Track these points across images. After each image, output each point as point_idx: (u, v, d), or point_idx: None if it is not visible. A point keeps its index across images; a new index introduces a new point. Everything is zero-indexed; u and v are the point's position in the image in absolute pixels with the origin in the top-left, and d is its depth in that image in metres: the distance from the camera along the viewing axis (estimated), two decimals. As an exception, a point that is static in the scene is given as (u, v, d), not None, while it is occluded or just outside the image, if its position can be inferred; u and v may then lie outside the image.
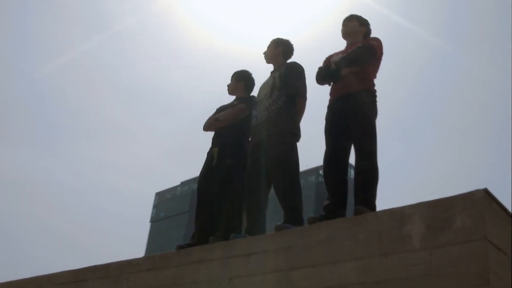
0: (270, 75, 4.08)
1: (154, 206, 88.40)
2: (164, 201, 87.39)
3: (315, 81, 3.76)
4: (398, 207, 2.82)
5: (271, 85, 3.94)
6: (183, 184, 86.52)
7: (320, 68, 3.73)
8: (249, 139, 4.12)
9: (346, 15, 3.84)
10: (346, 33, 3.80)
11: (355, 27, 3.79)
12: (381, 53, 3.57)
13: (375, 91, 3.53)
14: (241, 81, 4.50)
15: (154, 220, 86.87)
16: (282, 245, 3.24)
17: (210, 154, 4.30)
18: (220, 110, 4.46)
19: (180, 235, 78.65)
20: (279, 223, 3.42)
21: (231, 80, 4.56)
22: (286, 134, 3.75)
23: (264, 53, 4.20)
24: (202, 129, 4.52)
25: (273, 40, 4.20)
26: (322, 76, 3.68)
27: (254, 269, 3.32)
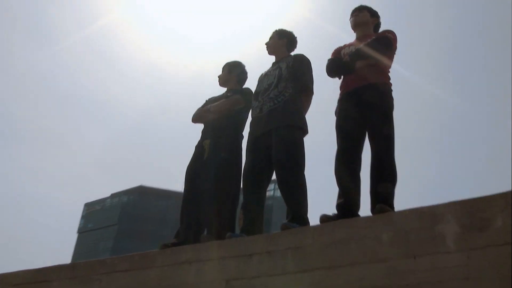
0: (274, 66, 3.86)
1: (82, 217, 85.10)
2: (93, 212, 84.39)
3: (325, 73, 3.58)
4: (427, 206, 2.64)
5: (276, 75, 3.72)
6: (113, 196, 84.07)
7: (331, 60, 3.55)
8: (244, 133, 3.86)
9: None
10: (356, 24, 3.63)
11: (366, 17, 3.64)
12: (396, 46, 3.44)
13: (391, 84, 3.38)
14: (234, 72, 4.25)
15: (81, 231, 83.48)
16: (290, 245, 2.97)
17: (200, 146, 3.98)
18: (210, 102, 4.17)
19: (107, 248, 75.98)
20: (285, 222, 3.16)
21: (223, 71, 4.29)
22: (295, 127, 3.52)
23: (266, 44, 3.98)
24: (191, 120, 4.20)
25: (277, 31, 3.99)
26: (335, 68, 3.50)
27: (256, 271, 3.03)
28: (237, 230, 3.65)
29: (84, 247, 79.82)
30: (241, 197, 3.72)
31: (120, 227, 77.29)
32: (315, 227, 2.99)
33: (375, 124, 3.17)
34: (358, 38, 3.57)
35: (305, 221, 3.21)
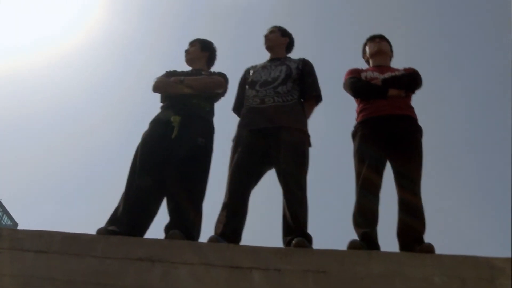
0: (275, 61, 3.37)
1: None
2: None
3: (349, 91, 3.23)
4: (483, 256, 2.41)
5: (284, 71, 3.23)
6: None
7: (358, 80, 3.22)
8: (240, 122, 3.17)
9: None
10: (380, 51, 3.39)
11: (388, 48, 3.47)
12: None
13: None
14: (206, 51, 3.59)
15: None
16: (309, 267, 2.40)
17: (163, 122, 3.12)
18: (177, 75, 3.40)
19: None
20: (298, 238, 2.56)
21: (192, 46, 3.59)
22: (306, 135, 3.07)
23: (266, 36, 3.47)
24: (152, 89, 3.34)
25: (278, 27, 3.53)
26: (365, 90, 3.17)
27: (258, 290, 2.35)
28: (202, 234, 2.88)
29: None
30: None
31: None
32: (344, 252, 2.49)
33: (408, 156, 2.92)
34: (378, 67, 3.34)
35: (311, 241, 2.68)
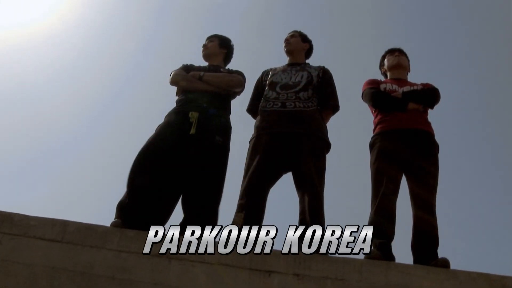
0: (295, 66, 3.35)
1: None
2: None
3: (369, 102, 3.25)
4: (496, 274, 2.46)
5: (305, 77, 3.22)
6: None
7: (379, 92, 3.24)
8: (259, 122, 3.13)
9: None
10: (400, 65, 3.43)
11: (406, 62, 3.50)
12: None
13: None
14: (224, 48, 3.55)
15: None
16: (328, 274, 2.40)
17: (181, 116, 3.07)
18: (192, 69, 3.35)
19: None
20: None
21: (210, 41, 3.55)
22: (326, 144, 3.07)
23: (286, 40, 3.45)
24: (170, 81, 3.28)
25: (300, 32, 3.52)
26: (387, 102, 3.19)
27: (277, 294, 2.34)
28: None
29: None
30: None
31: None
32: (362, 261, 2.49)
33: (424, 174, 2.94)
34: (396, 80, 3.37)
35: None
